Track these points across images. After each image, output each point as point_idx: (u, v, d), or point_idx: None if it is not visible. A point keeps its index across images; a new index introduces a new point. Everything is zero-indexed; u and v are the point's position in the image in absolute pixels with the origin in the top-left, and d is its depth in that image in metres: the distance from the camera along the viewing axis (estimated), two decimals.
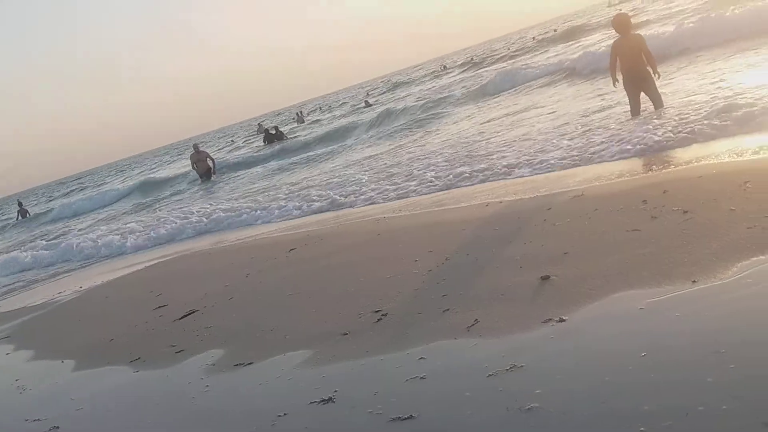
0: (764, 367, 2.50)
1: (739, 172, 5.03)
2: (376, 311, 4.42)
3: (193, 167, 25.16)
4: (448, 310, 4.07)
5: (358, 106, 44.76)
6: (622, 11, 12.12)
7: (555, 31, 52.67)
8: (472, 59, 56.25)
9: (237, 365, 4.26)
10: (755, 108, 7.16)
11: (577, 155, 8.14)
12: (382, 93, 55.70)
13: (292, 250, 7.32)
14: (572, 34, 40.37)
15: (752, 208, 4.15)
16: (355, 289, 5.11)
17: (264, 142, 35.08)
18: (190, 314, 5.86)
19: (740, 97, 8.01)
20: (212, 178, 24.23)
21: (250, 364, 4.21)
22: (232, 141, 56.50)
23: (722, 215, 4.19)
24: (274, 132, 35.94)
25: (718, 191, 4.69)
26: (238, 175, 23.50)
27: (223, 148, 48.76)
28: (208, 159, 24.72)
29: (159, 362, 4.86)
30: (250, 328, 4.99)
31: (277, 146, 30.73)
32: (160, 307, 6.45)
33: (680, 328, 2.99)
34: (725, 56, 13.24)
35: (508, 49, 52.62)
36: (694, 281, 3.40)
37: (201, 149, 25.71)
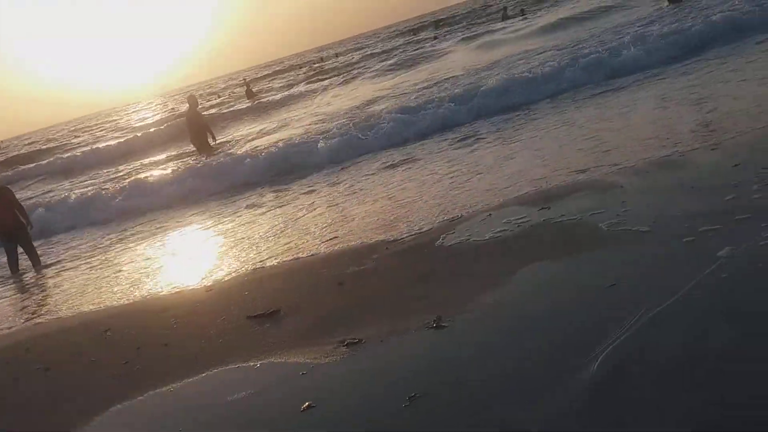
0: None
1: (99, 321, 5.30)
2: None
3: None
4: None
5: None
6: None
7: None
8: None
9: None
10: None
11: None
12: None
13: None
14: None
15: (112, 356, 4.40)
16: None
17: None
18: None
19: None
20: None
21: None
22: None
23: (84, 367, 4.33)
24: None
25: (82, 343, 4.84)
26: None
27: None
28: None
29: None
30: None
31: None
32: None
33: None
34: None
35: None
36: None
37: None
